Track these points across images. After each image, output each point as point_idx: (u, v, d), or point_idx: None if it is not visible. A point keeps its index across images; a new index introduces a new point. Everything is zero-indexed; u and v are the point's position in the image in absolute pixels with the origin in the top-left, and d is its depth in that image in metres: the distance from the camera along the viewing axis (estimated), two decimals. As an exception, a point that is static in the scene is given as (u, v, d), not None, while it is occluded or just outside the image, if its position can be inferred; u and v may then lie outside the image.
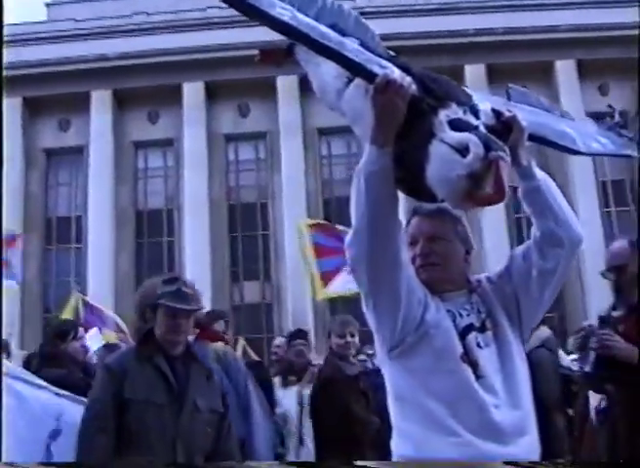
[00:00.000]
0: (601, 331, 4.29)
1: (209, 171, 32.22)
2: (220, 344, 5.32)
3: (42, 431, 4.16)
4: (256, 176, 33.56)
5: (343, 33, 2.62)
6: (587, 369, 4.42)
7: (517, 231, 30.73)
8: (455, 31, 30.93)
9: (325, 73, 2.81)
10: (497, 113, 2.53)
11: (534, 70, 30.84)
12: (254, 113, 33.04)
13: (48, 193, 33.31)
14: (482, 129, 2.38)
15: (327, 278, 10.88)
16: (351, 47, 2.49)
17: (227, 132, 33.18)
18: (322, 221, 11.62)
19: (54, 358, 5.21)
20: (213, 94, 32.62)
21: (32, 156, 32.83)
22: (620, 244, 4.49)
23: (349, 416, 5.98)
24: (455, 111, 2.41)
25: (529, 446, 2.44)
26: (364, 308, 2.56)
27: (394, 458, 2.51)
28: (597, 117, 3.60)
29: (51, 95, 31.62)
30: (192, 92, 32.48)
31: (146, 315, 4.28)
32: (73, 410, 4.25)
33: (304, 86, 30.83)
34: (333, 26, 2.62)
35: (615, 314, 4.40)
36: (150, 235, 33.15)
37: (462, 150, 2.27)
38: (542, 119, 3.00)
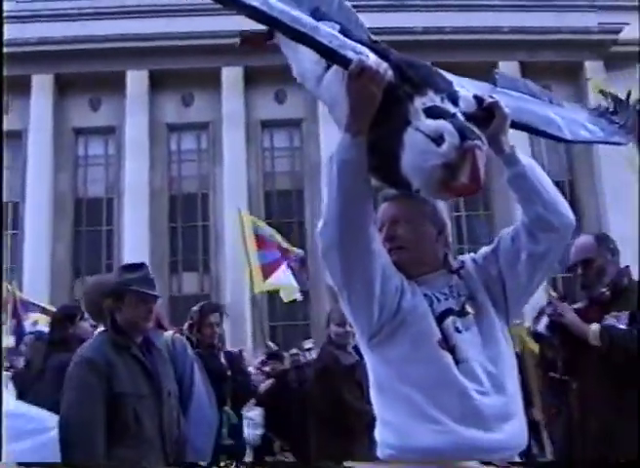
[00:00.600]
0: (558, 302, 4.40)
1: (150, 160, 31.87)
2: (169, 332, 5.28)
3: None
4: (197, 167, 33.28)
5: (323, 18, 2.60)
6: (539, 329, 4.53)
7: (457, 230, 31.02)
8: (402, 28, 31.05)
9: (304, 59, 2.75)
10: (479, 100, 2.51)
11: (478, 70, 31.05)
12: (197, 103, 32.79)
13: (-16, 178, 32.71)
14: (459, 116, 2.35)
15: (266, 271, 10.93)
16: (325, 32, 2.43)
17: (170, 121, 32.85)
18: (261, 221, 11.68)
19: (64, 342, 5.12)
20: (157, 82, 32.23)
21: (-31, 139, 32.20)
22: (586, 239, 4.58)
23: (344, 406, 5.99)
24: (431, 98, 2.38)
25: (514, 431, 2.40)
26: (340, 300, 2.51)
27: (379, 449, 2.48)
28: None
29: (-10, 77, 31.04)
30: (136, 80, 32.06)
31: (108, 304, 4.15)
32: None
33: (249, 77, 30.86)
34: (314, 11, 2.61)
35: (575, 306, 4.49)
36: (89, 223, 32.61)
37: (437, 139, 2.25)
38: (528, 105, 2.96)
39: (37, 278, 28.29)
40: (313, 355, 11.60)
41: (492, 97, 2.55)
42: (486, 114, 2.48)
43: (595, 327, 4.22)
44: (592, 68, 32.45)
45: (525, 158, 2.54)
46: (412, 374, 2.39)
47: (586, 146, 27.27)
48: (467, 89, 2.61)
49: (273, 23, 2.48)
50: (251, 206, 28.71)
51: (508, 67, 31.99)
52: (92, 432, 3.73)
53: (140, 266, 4.26)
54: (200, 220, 32.68)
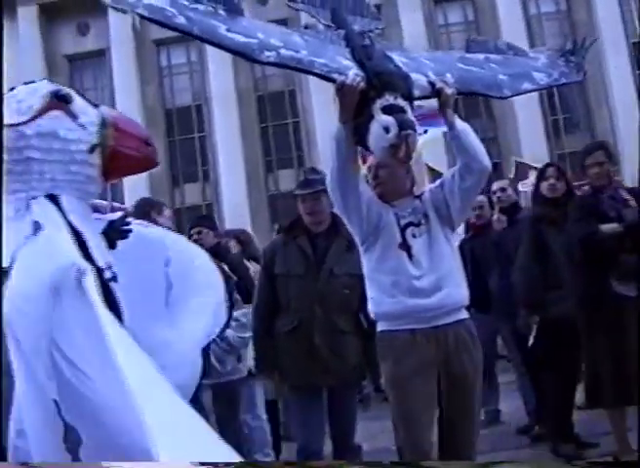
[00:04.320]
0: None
1: (233, 63, 31.89)
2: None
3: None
4: (280, 65, 33.21)
5: (341, 19, 3.82)
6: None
7: (549, 98, 30.55)
8: None
9: None
10: (432, 84, 3.67)
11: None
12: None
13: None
14: (407, 108, 3.45)
15: None
16: (319, 64, 3.53)
17: (255, 19, 32.67)
18: None
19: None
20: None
21: (53, 62, 32.82)
22: None
23: None
24: (387, 99, 3.44)
25: (444, 296, 3.69)
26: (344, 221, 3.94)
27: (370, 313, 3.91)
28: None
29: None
30: (210, -16, 31.81)
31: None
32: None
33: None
34: (334, 12, 3.83)
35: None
36: (181, 132, 33.20)
37: (387, 129, 3.34)
38: (475, 75, 4.02)
39: (137, 189, 28.87)
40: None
41: (443, 80, 3.70)
42: (438, 93, 3.68)
43: None
44: None
45: (461, 124, 3.73)
46: (383, 266, 3.75)
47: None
48: (434, 68, 3.82)
49: (286, 68, 3.63)
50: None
51: None
52: (258, 306, 5.04)
53: (304, 172, 5.51)
54: (290, 118, 32.83)
